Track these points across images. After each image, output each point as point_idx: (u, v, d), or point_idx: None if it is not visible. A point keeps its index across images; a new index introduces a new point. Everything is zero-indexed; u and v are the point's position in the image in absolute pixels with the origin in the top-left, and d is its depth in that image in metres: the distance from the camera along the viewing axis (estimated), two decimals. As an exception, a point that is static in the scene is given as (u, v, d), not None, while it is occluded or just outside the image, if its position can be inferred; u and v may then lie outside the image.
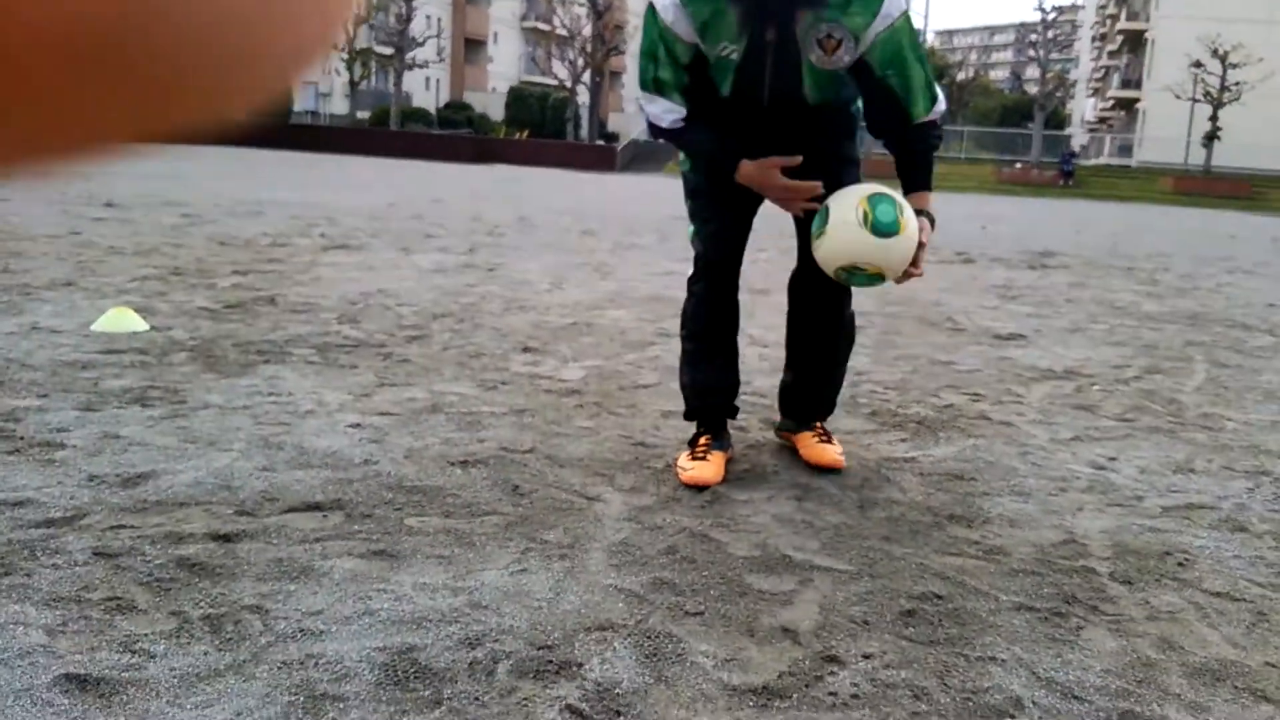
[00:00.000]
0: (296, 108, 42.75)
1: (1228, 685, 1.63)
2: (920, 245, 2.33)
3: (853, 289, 2.61)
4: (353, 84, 37.62)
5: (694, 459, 2.52)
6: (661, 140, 2.57)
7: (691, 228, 2.59)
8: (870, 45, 2.28)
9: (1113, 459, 2.89)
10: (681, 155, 2.62)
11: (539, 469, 2.52)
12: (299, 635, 1.62)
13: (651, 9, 2.35)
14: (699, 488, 2.43)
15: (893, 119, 2.38)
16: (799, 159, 2.38)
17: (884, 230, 2.24)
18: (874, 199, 2.28)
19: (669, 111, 2.42)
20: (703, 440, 2.58)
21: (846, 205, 2.30)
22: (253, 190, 12.26)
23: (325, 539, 2.01)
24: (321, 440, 2.64)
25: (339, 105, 43.75)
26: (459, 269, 6.25)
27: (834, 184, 2.50)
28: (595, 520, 2.20)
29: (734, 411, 2.69)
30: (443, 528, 2.11)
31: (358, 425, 2.79)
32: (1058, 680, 1.61)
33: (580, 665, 1.58)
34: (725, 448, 2.61)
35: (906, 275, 2.36)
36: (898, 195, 2.34)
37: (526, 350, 3.94)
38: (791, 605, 1.83)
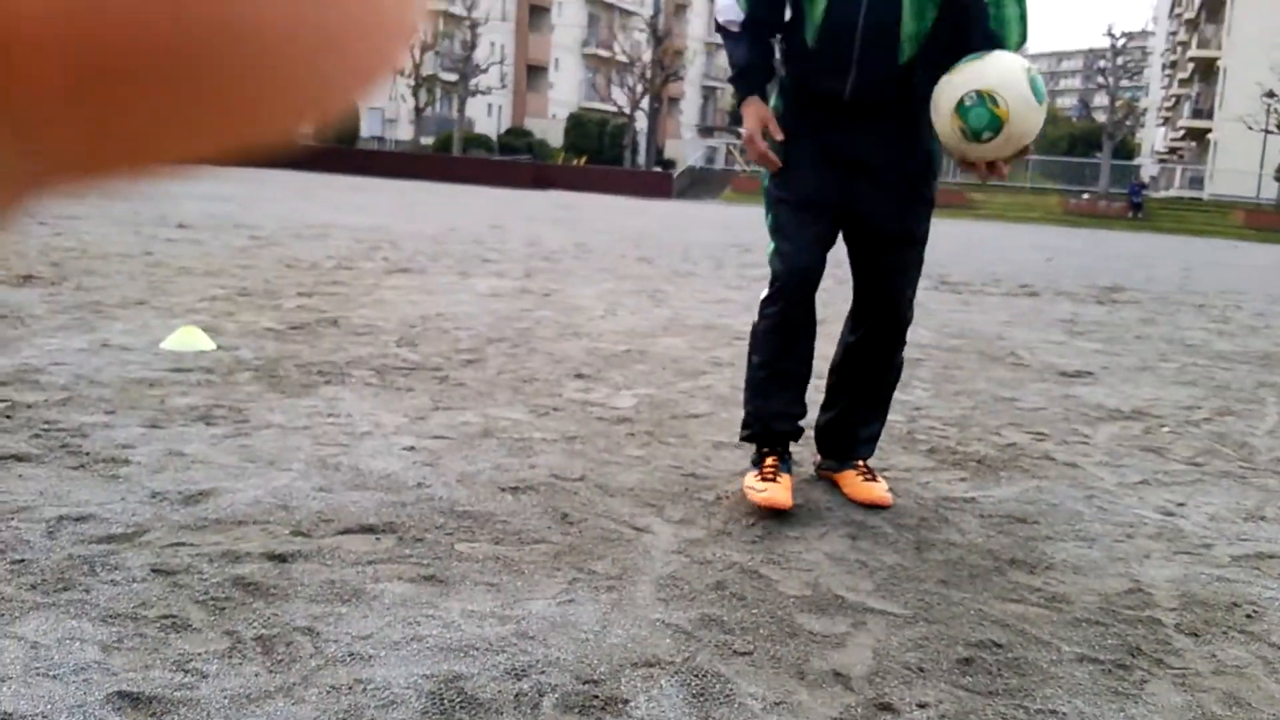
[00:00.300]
0: (363, 133, 43.74)
1: (1303, 748, 1.55)
2: (1024, 150, 2.28)
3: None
4: (418, 110, 38.34)
5: (764, 480, 2.46)
6: (720, 36, 2.58)
7: (771, 245, 2.52)
8: None
9: (1181, 504, 2.79)
10: (763, 170, 2.59)
11: (589, 497, 2.51)
12: (348, 659, 1.63)
13: None
14: (771, 510, 2.41)
15: (984, 48, 2.33)
16: (775, 153, 2.42)
17: (1037, 93, 2.20)
18: (1037, 75, 2.25)
19: (730, 9, 2.46)
20: (769, 461, 2.52)
21: (1015, 57, 2.26)
22: (320, 214, 12.52)
23: (377, 562, 2.02)
24: (377, 462, 2.66)
25: (404, 131, 44.61)
26: (515, 294, 6.30)
27: (900, 221, 2.47)
28: (644, 552, 2.18)
29: (800, 433, 2.62)
30: (492, 554, 2.11)
31: (412, 448, 2.81)
32: (1121, 737, 1.55)
33: (626, 702, 1.56)
34: (790, 470, 2.56)
35: (993, 169, 2.28)
36: None
37: (579, 376, 3.94)
38: (844, 648, 1.79)
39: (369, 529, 2.19)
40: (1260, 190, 36.93)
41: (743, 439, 2.66)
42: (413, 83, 37.28)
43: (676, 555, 2.17)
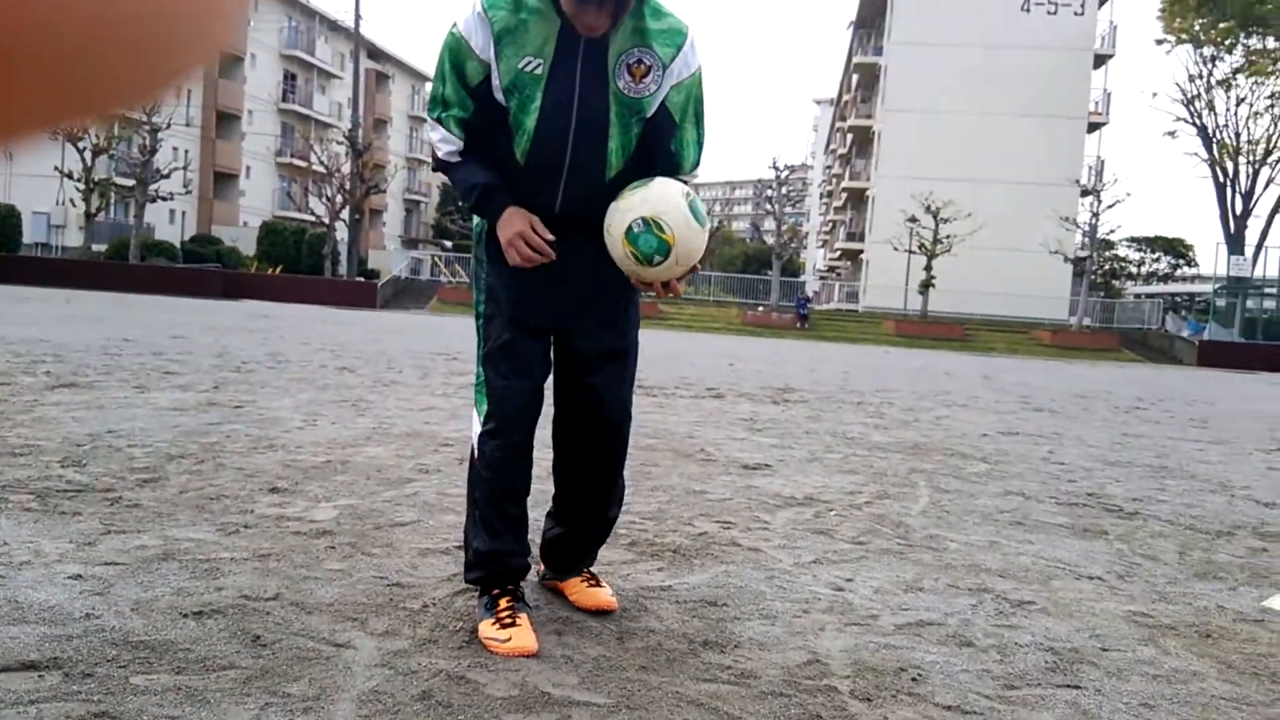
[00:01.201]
0: (26, 239, 39.59)
1: (955, 789, 1.73)
2: (693, 269, 2.34)
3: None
4: (89, 215, 35.25)
5: (504, 627, 2.32)
6: (442, 174, 2.47)
7: (484, 376, 2.40)
8: (676, 88, 2.34)
9: (849, 580, 3.08)
10: (476, 293, 2.50)
11: (283, 617, 2.38)
12: (-4, 819, 1.44)
13: (453, 26, 2.30)
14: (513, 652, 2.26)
15: (665, 168, 2.40)
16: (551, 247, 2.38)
17: (698, 216, 2.28)
18: (695, 199, 2.32)
19: (445, 141, 2.35)
20: (504, 604, 2.37)
21: (675, 183, 2.33)
22: (-37, 323, 11.12)
23: (41, 701, 1.80)
24: (38, 593, 2.38)
25: (73, 237, 40.87)
26: (201, 407, 5.90)
27: (615, 337, 2.48)
28: (344, 668, 2.10)
29: (529, 569, 2.52)
30: (172, 685, 1.94)
31: (79, 576, 2.54)
32: (804, 795, 1.67)
33: (326, 824, 1.48)
34: (526, 608, 2.43)
35: (668, 287, 2.33)
36: None
37: (274, 491, 3.75)
38: (550, 742, 1.81)
39: (30, 666, 1.96)
40: (907, 302, 41.85)
41: (470, 581, 2.49)
42: (82, 187, 34.33)
43: (380, 669, 2.11)
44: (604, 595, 2.61)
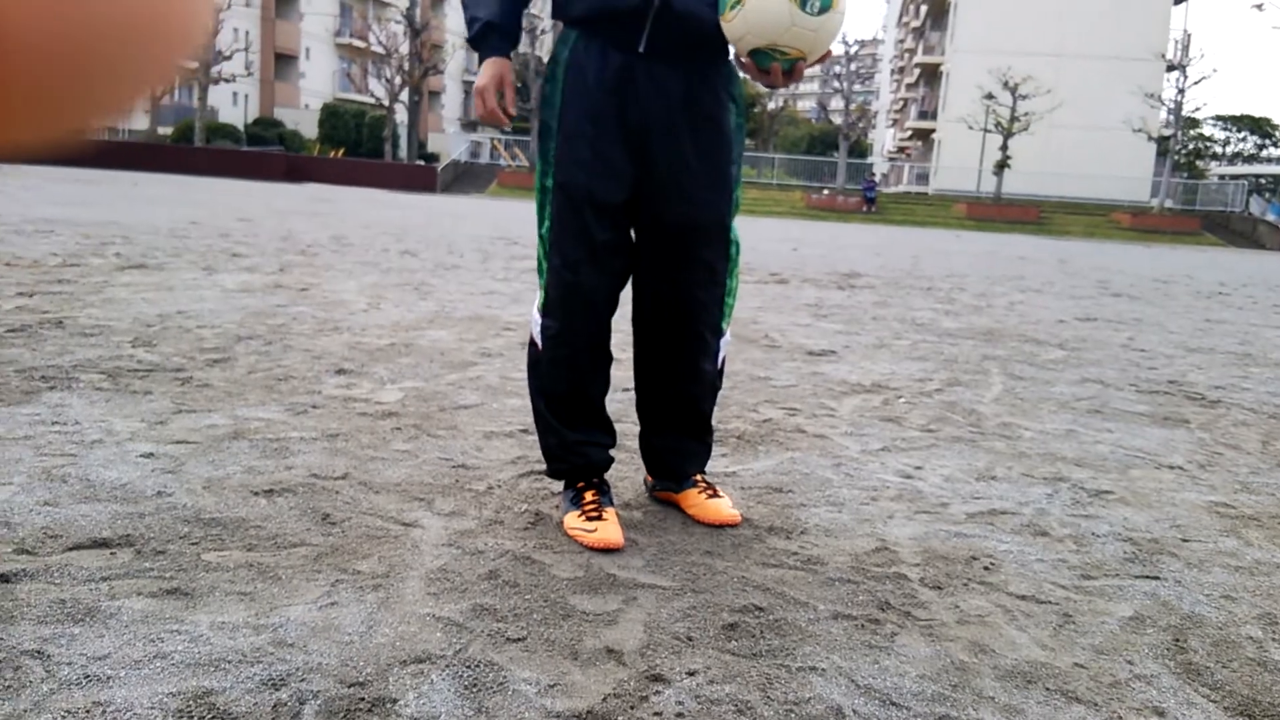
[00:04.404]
0: (90, 120, 40.13)
1: (1039, 687, 1.68)
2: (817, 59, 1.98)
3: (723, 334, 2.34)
4: (154, 98, 35.45)
5: (589, 519, 2.21)
6: None
7: (545, 257, 2.16)
8: None
9: (919, 468, 3.01)
10: (540, 161, 2.19)
11: (352, 496, 2.40)
12: (84, 681, 1.47)
13: None
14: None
15: None
16: (511, 109, 2.13)
17: (821, 6, 1.86)
18: None
19: None
20: (589, 496, 2.27)
21: None
22: (43, 209, 11.36)
23: (113, 578, 1.84)
24: (110, 471, 2.43)
25: (138, 120, 41.27)
26: (268, 289, 5.95)
27: (709, 206, 2.17)
28: (412, 547, 2.11)
29: (611, 461, 2.37)
30: (244, 562, 1.97)
31: (150, 455, 2.59)
32: (875, 687, 1.65)
33: (395, 701, 1.50)
34: (611, 501, 2.31)
35: (791, 75, 1.97)
36: None
37: (340, 372, 3.78)
38: (616, 625, 1.81)
39: (103, 543, 2.00)
40: (979, 184, 40.58)
41: (552, 474, 2.38)
42: (145, 68, 34.45)
43: (447, 548, 2.11)
44: (726, 507, 2.37)
